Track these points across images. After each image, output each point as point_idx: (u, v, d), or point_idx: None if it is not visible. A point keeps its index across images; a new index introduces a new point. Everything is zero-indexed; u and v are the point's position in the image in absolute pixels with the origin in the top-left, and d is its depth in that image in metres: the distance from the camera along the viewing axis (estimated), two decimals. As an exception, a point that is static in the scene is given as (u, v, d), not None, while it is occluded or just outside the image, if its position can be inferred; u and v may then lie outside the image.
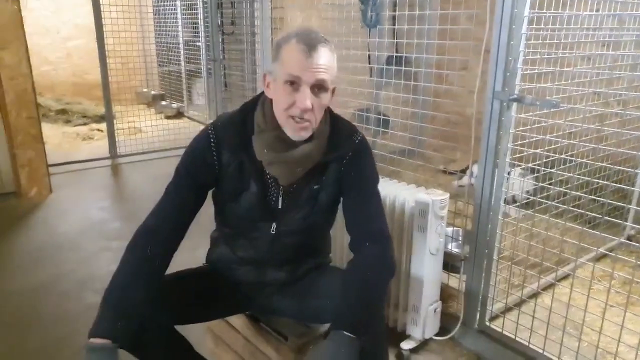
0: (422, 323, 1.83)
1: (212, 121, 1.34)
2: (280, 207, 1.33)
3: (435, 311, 1.85)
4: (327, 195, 1.35)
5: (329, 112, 1.34)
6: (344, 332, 1.11)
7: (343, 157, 1.33)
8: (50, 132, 5.33)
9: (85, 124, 5.83)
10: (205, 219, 1.46)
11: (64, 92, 6.82)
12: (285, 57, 1.19)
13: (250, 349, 1.68)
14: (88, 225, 3.14)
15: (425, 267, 1.77)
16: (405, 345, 1.87)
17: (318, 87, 1.20)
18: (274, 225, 1.35)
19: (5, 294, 2.34)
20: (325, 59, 1.19)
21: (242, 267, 1.43)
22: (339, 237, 2.03)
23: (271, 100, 1.27)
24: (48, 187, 3.66)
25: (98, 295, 2.23)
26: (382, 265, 1.27)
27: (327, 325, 1.54)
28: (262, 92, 1.31)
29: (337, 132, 1.32)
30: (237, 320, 1.69)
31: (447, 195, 1.77)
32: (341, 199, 1.38)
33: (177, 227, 1.30)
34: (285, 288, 1.44)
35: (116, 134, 4.55)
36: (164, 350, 1.32)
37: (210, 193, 1.38)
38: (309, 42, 1.17)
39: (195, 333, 1.50)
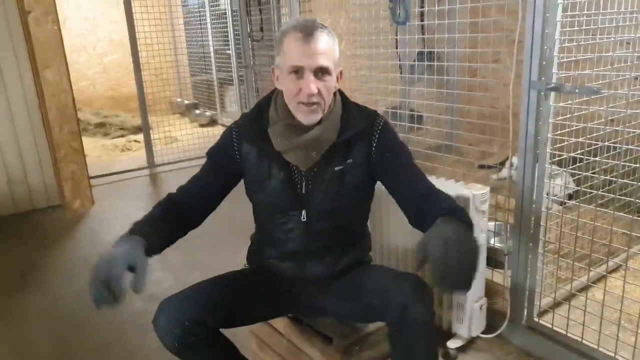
0: (468, 321, 1.80)
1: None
2: (304, 192, 1.36)
3: (480, 308, 1.82)
4: (354, 176, 1.36)
5: (339, 94, 1.40)
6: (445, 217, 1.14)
7: (369, 137, 1.36)
8: (90, 145, 5.52)
9: (122, 135, 6.02)
10: (245, 225, 1.48)
11: (101, 106, 7.07)
12: (286, 48, 1.26)
13: (294, 351, 1.69)
14: (131, 234, 3.23)
15: None
16: (452, 344, 1.84)
17: (321, 72, 1.26)
18: (303, 212, 1.37)
19: (58, 302, 2.44)
20: (324, 44, 1.25)
21: (281, 262, 1.44)
22: (377, 236, 2.03)
23: (282, 92, 1.34)
24: (90, 198, 3.80)
25: (144, 302, 2.30)
26: (457, 207, 1.28)
27: (372, 325, 1.54)
28: (275, 88, 1.39)
29: (349, 112, 1.37)
30: (280, 323, 1.71)
31: (488, 189, 1.73)
32: (380, 183, 1.41)
33: (196, 206, 1.42)
34: (328, 286, 1.44)
35: (153, 144, 4.67)
36: (209, 353, 1.34)
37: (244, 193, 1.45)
38: (306, 30, 1.24)
39: (240, 337, 1.53)
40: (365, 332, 1.52)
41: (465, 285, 1.02)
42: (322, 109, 1.30)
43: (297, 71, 1.26)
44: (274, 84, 1.37)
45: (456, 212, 1.23)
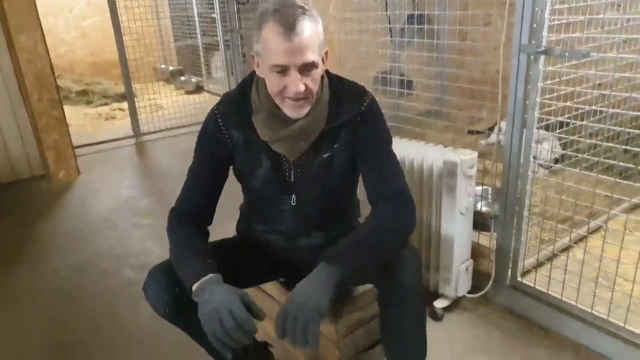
0: (455, 282, 1.85)
1: (217, 102, 1.36)
2: (292, 180, 1.35)
3: (467, 269, 1.87)
4: (341, 160, 1.34)
5: (326, 77, 1.31)
6: (324, 262, 1.16)
7: (353, 120, 1.31)
8: (73, 113, 5.41)
9: (106, 104, 5.90)
10: (232, 192, 1.48)
11: (82, 73, 6.88)
12: (267, 41, 1.15)
13: (287, 313, 1.73)
14: (119, 204, 3.22)
15: (455, 227, 1.78)
16: (439, 304, 1.91)
17: (307, 67, 1.17)
18: (293, 197, 1.37)
19: (49, 274, 2.44)
20: (308, 34, 1.13)
21: (271, 235, 1.46)
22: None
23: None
24: (76, 168, 3.75)
25: (136, 272, 2.32)
26: (393, 219, 1.26)
27: (362, 288, 1.58)
28: (255, 71, 1.30)
29: (338, 97, 1.30)
30: (272, 288, 1.74)
31: (476, 154, 1.75)
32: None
33: (205, 206, 1.37)
34: (318, 253, 1.46)
35: (138, 112, 4.60)
36: None
37: (232, 172, 1.42)
38: (287, 22, 1.11)
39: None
40: (355, 294, 1.56)
41: (301, 342, 1.08)
42: (310, 102, 1.23)
43: (282, 70, 1.16)
44: (256, 70, 1.26)
45: (383, 222, 1.26)
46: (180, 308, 1.26)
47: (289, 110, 1.23)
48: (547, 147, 2.05)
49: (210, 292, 1.14)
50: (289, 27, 1.12)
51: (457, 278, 1.85)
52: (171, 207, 1.37)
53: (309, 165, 1.33)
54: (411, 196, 1.33)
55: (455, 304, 1.96)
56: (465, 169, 1.72)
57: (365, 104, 1.32)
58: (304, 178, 1.35)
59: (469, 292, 1.94)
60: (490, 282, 1.92)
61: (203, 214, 1.37)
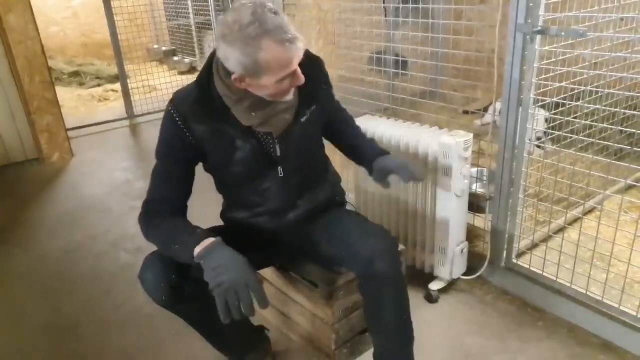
0: (450, 263, 1.86)
1: (170, 100, 1.30)
2: (279, 154, 1.35)
3: (462, 251, 1.87)
4: (317, 121, 1.42)
5: None
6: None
7: (318, 81, 1.40)
8: (65, 95, 5.35)
9: (99, 85, 5.83)
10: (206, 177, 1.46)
11: (74, 54, 6.78)
12: (272, 65, 1.13)
13: (281, 298, 1.74)
14: (113, 187, 3.21)
15: (450, 209, 1.77)
16: (434, 285, 1.92)
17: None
18: (279, 168, 1.37)
19: (43, 258, 2.44)
20: (299, 35, 1.14)
21: (260, 217, 1.45)
22: (362, 185, 2.04)
23: (225, 70, 1.20)
24: (69, 151, 3.72)
25: (131, 255, 2.31)
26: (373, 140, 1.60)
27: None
28: (211, 62, 1.26)
29: (303, 65, 1.28)
30: (267, 271, 1.74)
31: (471, 136, 1.74)
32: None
33: (173, 211, 1.32)
34: (306, 232, 1.46)
35: (131, 94, 4.54)
36: (198, 305, 1.35)
37: (202, 169, 1.40)
38: (287, 36, 1.11)
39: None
40: (350, 278, 1.56)
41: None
42: None
43: (288, 76, 1.17)
44: (237, 85, 1.20)
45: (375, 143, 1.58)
46: (178, 295, 1.27)
47: (287, 96, 1.25)
48: (541, 126, 2.04)
49: (221, 257, 1.15)
50: (291, 39, 1.12)
51: (452, 260, 1.85)
52: (139, 213, 1.32)
53: (292, 133, 1.35)
54: None
55: (451, 285, 1.97)
56: (460, 150, 1.71)
57: (323, 67, 1.42)
58: (289, 147, 1.36)
59: (464, 274, 1.95)
60: (485, 264, 1.93)
61: (174, 212, 1.33)
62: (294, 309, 1.72)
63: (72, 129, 4.13)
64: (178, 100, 1.29)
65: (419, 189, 1.85)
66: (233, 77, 1.17)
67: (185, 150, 1.30)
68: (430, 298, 1.90)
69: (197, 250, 1.16)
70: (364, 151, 1.56)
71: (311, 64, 1.34)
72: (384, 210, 2.03)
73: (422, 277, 1.95)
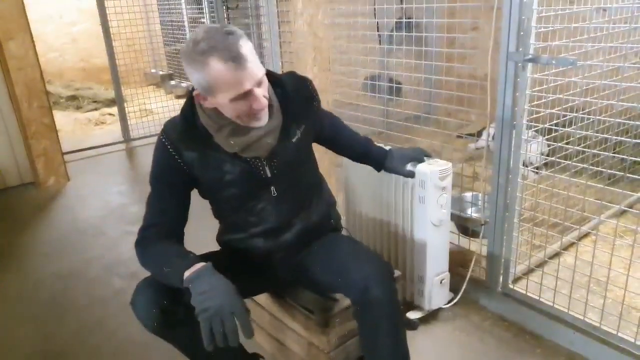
0: (428, 294, 1.83)
1: (161, 130, 1.33)
2: (269, 175, 1.36)
3: (441, 282, 1.84)
4: (307, 138, 1.45)
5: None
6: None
7: (308, 101, 1.42)
8: (63, 119, 5.37)
9: (96, 109, 5.86)
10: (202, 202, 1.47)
11: (72, 78, 6.83)
12: (217, 80, 1.13)
13: (276, 324, 1.72)
14: (109, 211, 3.19)
15: (428, 238, 1.75)
16: (412, 315, 1.88)
17: (259, 82, 1.19)
18: (272, 188, 1.38)
19: (37, 282, 2.41)
20: (250, 53, 1.15)
21: (255, 239, 1.44)
22: (351, 206, 2.04)
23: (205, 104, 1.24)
24: (65, 175, 3.72)
25: (125, 281, 2.29)
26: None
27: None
28: (192, 96, 1.27)
29: (282, 84, 1.35)
30: (262, 297, 1.73)
31: (450, 165, 1.72)
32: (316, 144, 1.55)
33: (171, 232, 1.33)
34: (300, 258, 1.46)
35: (128, 117, 4.57)
36: (189, 331, 1.32)
37: (198, 196, 1.42)
38: (231, 55, 1.11)
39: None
40: (346, 305, 1.55)
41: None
42: (266, 109, 1.26)
43: (243, 96, 1.17)
44: (201, 102, 1.24)
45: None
46: (169, 321, 1.26)
47: (255, 122, 1.26)
48: (535, 151, 2.06)
49: (209, 283, 1.15)
50: (235, 58, 1.12)
51: (430, 290, 1.83)
52: (136, 239, 1.33)
53: (282, 154, 1.36)
54: None
55: (436, 314, 1.94)
56: (435, 180, 1.68)
57: (310, 86, 1.44)
58: (280, 167, 1.36)
59: (460, 299, 1.93)
60: (462, 289, 1.92)
61: (170, 240, 1.33)
62: (289, 336, 1.69)
63: (69, 152, 4.13)
64: (167, 129, 1.31)
65: (398, 214, 1.84)
66: (194, 93, 1.22)
67: (178, 176, 1.32)
68: (409, 326, 1.85)
69: (187, 274, 1.16)
70: (370, 156, 1.68)
71: (298, 83, 1.40)
72: (370, 232, 2.02)
73: (405, 305, 1.92)
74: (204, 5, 5.33)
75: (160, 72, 6.69)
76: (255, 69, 1.16)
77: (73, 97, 6.03)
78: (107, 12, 4.23)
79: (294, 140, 1.38)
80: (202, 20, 5.51)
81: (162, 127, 1.33)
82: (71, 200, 3.42)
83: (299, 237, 1.45)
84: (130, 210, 3.17)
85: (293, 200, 1.43)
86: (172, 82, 6.44)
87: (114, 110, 5.04)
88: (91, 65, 7.03)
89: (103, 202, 3.35)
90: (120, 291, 2.28)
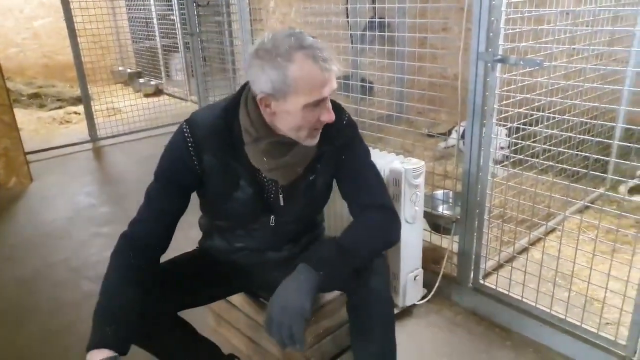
0: (402, 290, 1.86)
1: (186, 120, 1.23)
2: (282, 204, 1.32)
3: (415, 279, 1.87)
4: (323, 179, 1.34)
5: None
6: (306, 265, 1.15)
7: (341, 150, 1.30)
8: (25, 118, 5.18)
9: (60, 107, 5.67)
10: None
11: (34, 75, 6.61)
12: (301, 83, 1.06)
13: (251, 324, 1.71)
14: (75, 212, 3.10)
15: (401, 235, 1.77)
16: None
17: (333, 93, 1.14)
18: (272, 217, 1.34)
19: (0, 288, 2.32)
20: (337, 61, 1.10)
21: (239, 253, 1.43)
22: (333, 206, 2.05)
23: (254, 101, 1.16)
24: (28, 175, 3.58)
25: (94, 284, 2.22)
26: (380, 229, 1.29)
27: (329, 295, 1.58)
28: (241, 92, 1.22)
29: (333, 126, 1.24)
30: (237, 298, 1.71)
31: (423, 163, 1.75)
32: (335, 180, 1.37)
33: (160, 236, 1.25)
34: (283, 264, 1.46)
35: (95, 116, 4.44)
36: (169, 338, 1.32)
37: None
38: (323, 55, 1.06)
39: (197, 313, 1.52)
40: (321, 302, 1.55)
41: (288, 339, 1.07)
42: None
43: (317, 103, 1.11)
44: (262, 111, 1.15)
45: (369, 230, 1.29)
46: (147, 332, 1.24)
47: (311, 140, 1.18)
48: (502, 141, 2.10)
49: None
50: (326, 60, 1.07)
51: (404, 287, 1.86)
52: (124, 231, 1.25)
53: (297, 187, 1.31)
54: (396, 210, 1.34)
55: (421, 306, 1.99)
56: (410, 178, 1.72)
57: (344, 122, 1.30)
58: (291, 201, 1.32)
59: (433, 295, 1.96)
60: (436, 285, 1.96)
61: (158, 244, 1.25)
62: (264, 335, 1.69)
63: (32, 152, 3.99)
64: (199, 125, 1.21)
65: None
66: (258, 97, 1.12)
67: (187, 176, 1.24)
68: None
69: (88, 357, 1.08)
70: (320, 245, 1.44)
71: (345, 125, 1.29)
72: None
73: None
74: (173, 2, 5.25)
75: (129, 70, 6.55)
76: (335, 78, 1.11)
77: (35, 95, 5.82)
78: (72, 6, 4.08)
79: (310, 178, 1.30)
80: (172, 17, 5.43)
81: (190, 116, 1.23)
82: (35, 202, 3.30)
83: (284, 259, 1.43)
84: (99, 211, 3.08)
85: (287, 233, 1.40)
86: (141, 80, 6.31)
87: (80, 108, 4.90)
88: (54, 62, 6.80)
89: (69, 203, 3.25)
90: (90, 294, 2.22)
